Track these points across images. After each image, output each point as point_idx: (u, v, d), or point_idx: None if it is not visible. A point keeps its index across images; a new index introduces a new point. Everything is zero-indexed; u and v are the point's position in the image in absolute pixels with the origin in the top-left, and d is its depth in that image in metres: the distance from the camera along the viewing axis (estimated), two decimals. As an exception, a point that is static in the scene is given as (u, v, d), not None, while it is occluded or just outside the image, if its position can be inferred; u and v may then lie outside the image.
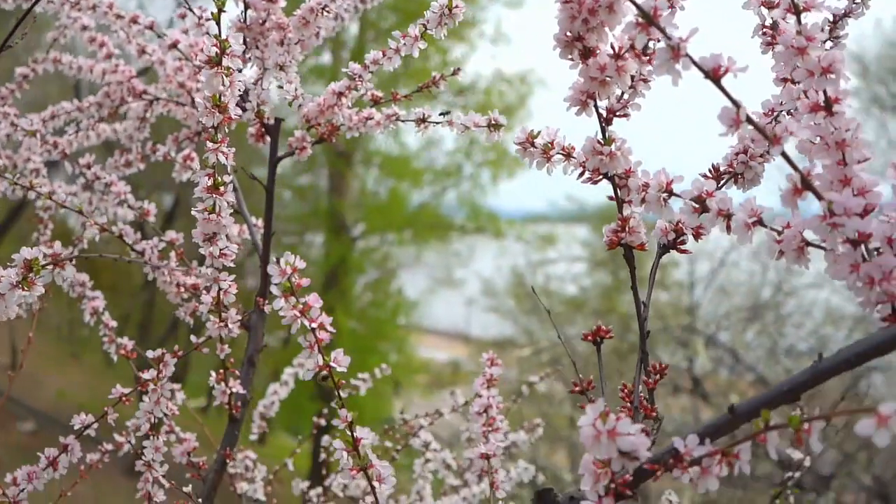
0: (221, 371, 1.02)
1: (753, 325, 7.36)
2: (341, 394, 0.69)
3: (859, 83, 9.59)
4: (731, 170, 0.74)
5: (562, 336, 0.88)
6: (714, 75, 0.54)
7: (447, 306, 13.25)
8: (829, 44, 0.76)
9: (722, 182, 0.74)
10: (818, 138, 0.58)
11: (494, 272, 10.94)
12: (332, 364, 0.67)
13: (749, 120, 0.54)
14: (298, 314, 0.66)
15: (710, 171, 0.74)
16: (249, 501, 1.35)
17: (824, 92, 0.57)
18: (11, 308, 0.73)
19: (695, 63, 0.53)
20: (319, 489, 1.47)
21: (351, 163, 11.49)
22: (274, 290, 0.65)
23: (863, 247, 0.56)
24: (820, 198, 0.55)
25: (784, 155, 0.55)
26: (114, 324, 1.16)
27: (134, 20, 1.17)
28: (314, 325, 0.67)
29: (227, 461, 1.04)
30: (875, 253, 0.56)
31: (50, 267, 0.71)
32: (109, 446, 1.17)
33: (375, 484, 0.69)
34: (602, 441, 0.53)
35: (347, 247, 11.20)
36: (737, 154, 0.73)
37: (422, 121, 1.00)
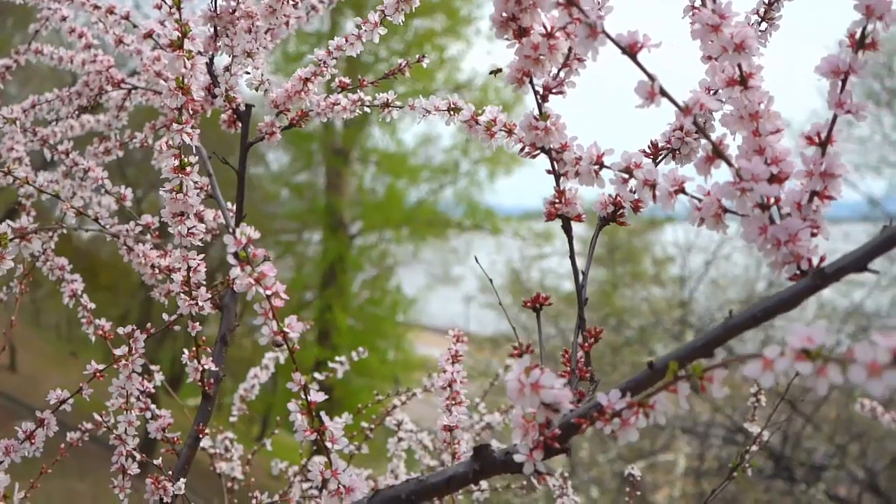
0: (194, 349, 1.05)
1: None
2: (294, 358, 0.72)
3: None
4: (668, 146, 0.77)
5: (513, 323, 0.92)
6: (631, 51, 0.57)
7: (445, 303, 13.29)
8: (763, 25, 0.80)
9: (660, 157, 0.77)
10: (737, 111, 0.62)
11: (489, 267, 10.98)
12: (286, 330, 0.71)
13: (662, 92, 0.57)
14: (254, 282, 0.70)
15: (648, 147, 0.77)
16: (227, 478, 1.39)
17: (739, 66, 0.61)
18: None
19: (612, 39, 0.57)
20: (296, 468, 1.51)
21: (348, 161, 11.53)
22: (230, 259, 0.69)
23: (775, 211, 0.60)
24: (730, 165, 0.58)
25: (696, 125, 0.58)
26: (92, 306, 1.19)
27: (110, 10, 1.20)
28: (269, 292, 0.70)
29: (200, 436, 1.07)
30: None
31: (17, 240, 0.74)
32: (89, 425, 1.21)
33: (328, 444, 0.73)
34: (526, 393, 0.56)
35: (345, 244, 11.24)
36: (674, 130, 0.77)
37: (386, 105, 1.04)
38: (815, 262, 0.57)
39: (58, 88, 1.39)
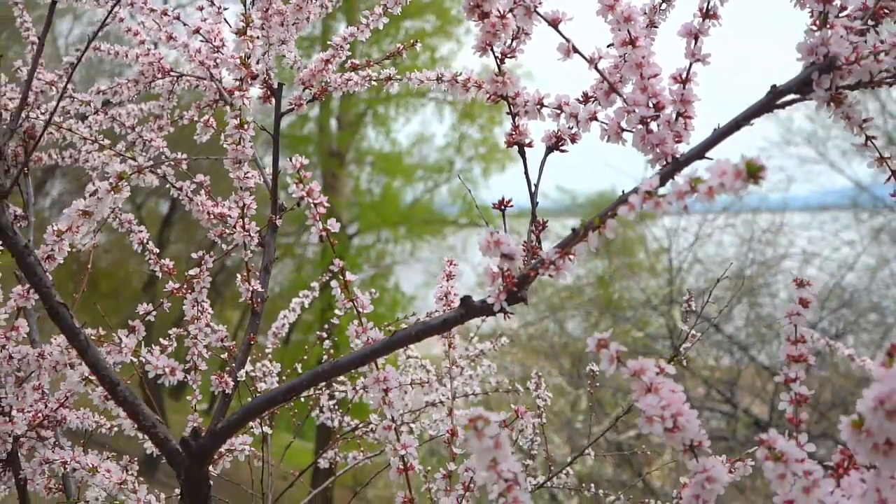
0: (245, 273, 1.35)
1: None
2: (334, 248, 1.02)
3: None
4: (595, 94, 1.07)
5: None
6: (554, 23, 0.88)
7: (444, 299, 13.46)
8: (664, 5, 1.10)
9: (590, 103, 1.07)
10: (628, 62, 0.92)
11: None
12: (328, 227, 1.01)
13: (575, 50, 0.87)
14: (305, 195, 1.00)
15: (582, 95, 1.07)
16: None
17: (629, 32, 0.91)
18: (105, 210, 1.06)
19: (541, 16, 0.87)
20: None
21: (344, 162, 11.84)
22: (288, 178, 0.99)
23: (655, 127, 0.90)
24: (620, 96, 0.88)
25: (598, 70, 0.88)
26: (157, 250, 1.49)
27: (164, 13, 1.50)
28: (316, 202, 1.00)
29: (252, 342, 1.37)
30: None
31: (135, 175, 1.04)
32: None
33: (360, 309, 1.03)
34: (491, 248, 0.86)
35: (343, 245, 11.54)
36: (598, 83, 1.07)
37: (388, 79, 1.34)
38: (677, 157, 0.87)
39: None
